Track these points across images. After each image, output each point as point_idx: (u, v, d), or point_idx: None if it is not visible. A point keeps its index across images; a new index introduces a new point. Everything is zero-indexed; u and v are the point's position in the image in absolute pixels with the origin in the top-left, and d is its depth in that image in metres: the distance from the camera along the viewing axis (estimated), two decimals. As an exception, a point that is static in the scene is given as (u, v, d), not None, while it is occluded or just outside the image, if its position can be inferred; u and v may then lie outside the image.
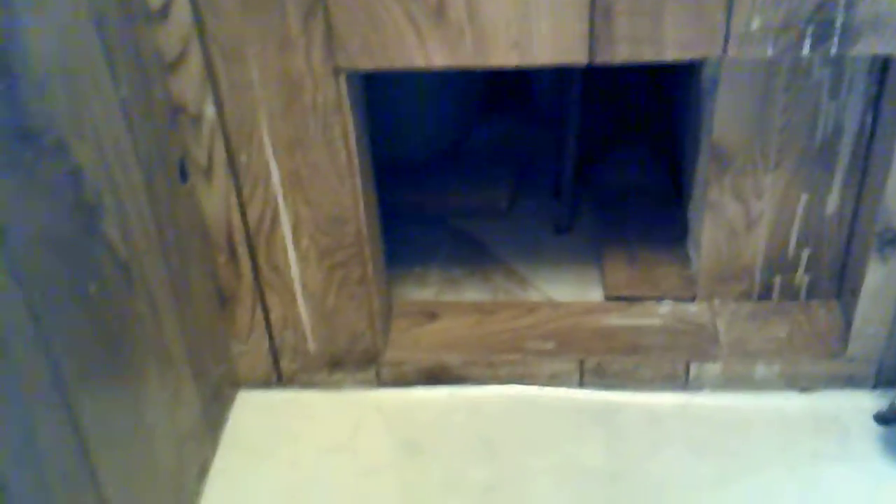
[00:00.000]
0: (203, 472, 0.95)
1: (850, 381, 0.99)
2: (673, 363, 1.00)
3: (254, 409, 1.04)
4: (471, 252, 1.20)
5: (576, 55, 0.82)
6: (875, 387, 0.98)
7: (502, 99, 1.47)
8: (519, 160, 1.34)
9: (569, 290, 1.12)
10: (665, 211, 1.20)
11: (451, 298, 1.12)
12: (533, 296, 1.11)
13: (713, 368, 1.00)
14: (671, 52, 0.82)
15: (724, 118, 0.93)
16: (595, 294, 1.11)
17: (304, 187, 0.90)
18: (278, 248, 0.94)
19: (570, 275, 1.15)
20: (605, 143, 1.35)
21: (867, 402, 0.97)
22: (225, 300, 0.98)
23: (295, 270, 0.96)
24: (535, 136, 1.39)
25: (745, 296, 1.05)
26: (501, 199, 1.27)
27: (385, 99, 1.08)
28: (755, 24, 0.79)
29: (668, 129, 1.33)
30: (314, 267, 0.95)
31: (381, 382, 1.05)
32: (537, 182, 1.31)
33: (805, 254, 1.01)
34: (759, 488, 0.91)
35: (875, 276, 0.92)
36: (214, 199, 0.91)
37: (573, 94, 1.19)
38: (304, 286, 0.97)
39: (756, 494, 0.91)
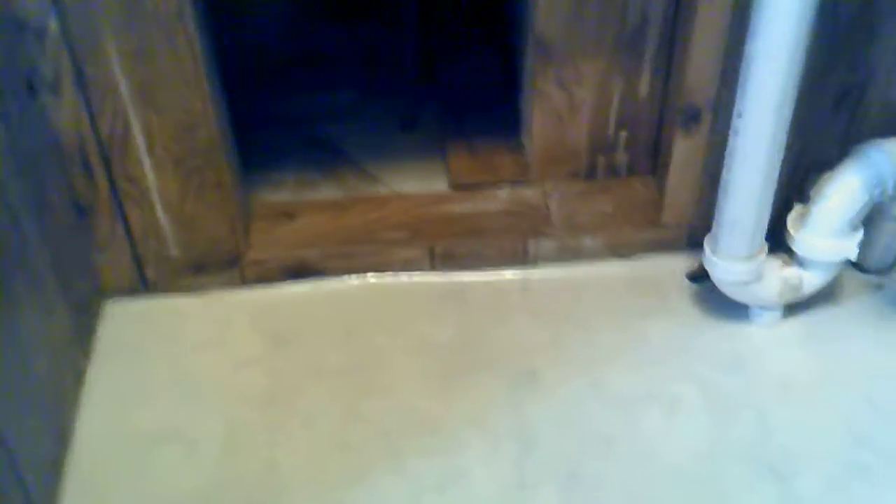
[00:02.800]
0: (79, 380, 0.99)
1: (666, 246, 1.12)
2: (513, 242, 1.10)
3: (123, 317, 1.08)
4: (323, 154, 1.26)
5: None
6: (687, 249, 1.12)
7: (351, 1, 1.51)
8: (367, 61, 1.39)
9: (416, 184, 1.20)
10: (503, 104, 1.28)
11: (306, 196, 1.18)
12: (383, 191, 1.19)
13: (547, 244, 1.11)
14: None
15: (544, 13, 1.02)
16: (441, 185, 1.19)
17: (153, 97, 0.93)
18: (132, 159, 0.97)
19: (416, 169, 1.22)
20: (447, 41, 1.41)
21: (681, 263, 1.10)
22: (84, 213, 1.00)
23: (151, 179, 0.99)
24: (383, 38, 1.44)
25: (573, 176, 1.15)
26: (350, 99, 1.32)
27: (232, 5, 1.10)
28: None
29: (505, 26, 1.41)
30: (170, 175, 0.99)
31: (246, 282, 1.10)
32: (385, 82, 1.37)
33: (623, 135, 1.12)
34: (591, 345, 1.03)
35: (681, 149, 1.04)
36: (64, 113, 0.92)
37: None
38: (161, 194, 1.01)
39: (588, 350, 1.03)
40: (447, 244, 1.10)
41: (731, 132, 0.91)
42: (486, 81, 1.34)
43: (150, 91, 0.92)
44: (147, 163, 0.98)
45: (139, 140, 0.96)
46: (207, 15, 0.95)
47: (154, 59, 0.90)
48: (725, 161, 0.94)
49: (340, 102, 1.33)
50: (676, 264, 1.10)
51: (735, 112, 0.90)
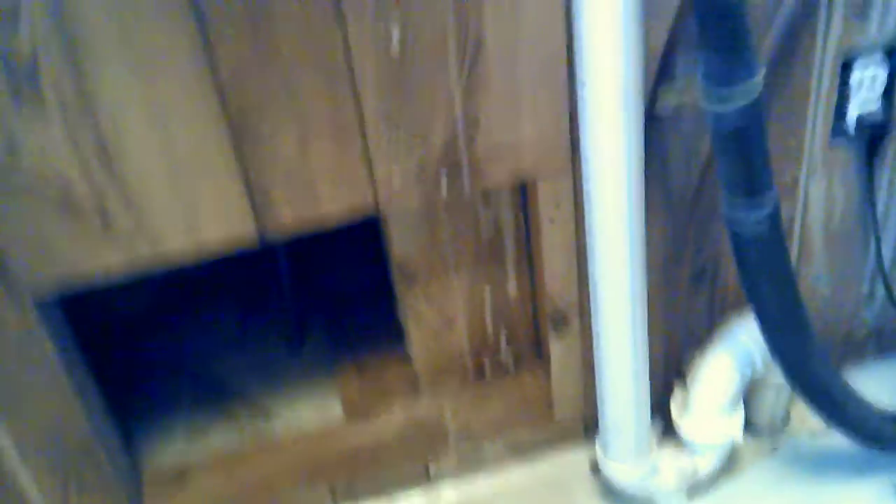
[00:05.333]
0: None
1: (564, 439, 1.12)
2: (413, 465, 1.09)
3: None
4: (212, 391, 1.24)
5: (245, 230, 0.88)
6: (585, 439, 1.12)
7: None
8: (247, 283, 1.40)
9: (310, 411, 1.18)
10: (388, 310, 1.29)
11: (199, 449, 1.15)
12: (278, 427, 1.17)
13: (447, 460, 1.10)
14: (331, 214, 0.90)
15: (400, 242, 1.03)
16: (335, 407, 1.18)
17: (17, 408, 0.91)
18: (4, 471, 0.94)
19: (309, 393, 1.21)
20: (324, 250, 1.42)
21: (581, 456, 1.10)
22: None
23: (30, 488, 0.96)
24: (259, 256, 1.45)
25: (463, 381, 1.16)
26: (232, 325, 1.32)
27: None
28: (396, 178, 0.89)
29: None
30: (47, 482, 0.96)
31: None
32: (266, 303, 1.37)
33: (502, 334, 1.13)
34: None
35: (557, 349, 1.06)
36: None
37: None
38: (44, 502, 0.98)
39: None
40: (347, 479, 1.08)
41: (594, 338, 0.93)
42: (370, 287, 1.35)
43: (13, 403, 0.90)
44: (23, 472, 0.95)
45: (12, 452, 0.93)
46: (65, 321, 0.94)
47: (12, 376, 0.89)
48: (595, 367, 0.95)
49: (223, 330, 1.32)
50: (577, 458, 1.10)
51: (592, 319, 0.92)
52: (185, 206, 0.84)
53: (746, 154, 0.75)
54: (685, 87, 0.87)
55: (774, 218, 0.81)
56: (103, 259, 0.85)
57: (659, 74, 0.85)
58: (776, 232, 0.82)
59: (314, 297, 1.35)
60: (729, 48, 0.69)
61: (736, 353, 0.98)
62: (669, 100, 0.86)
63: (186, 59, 0.77)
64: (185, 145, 0.81)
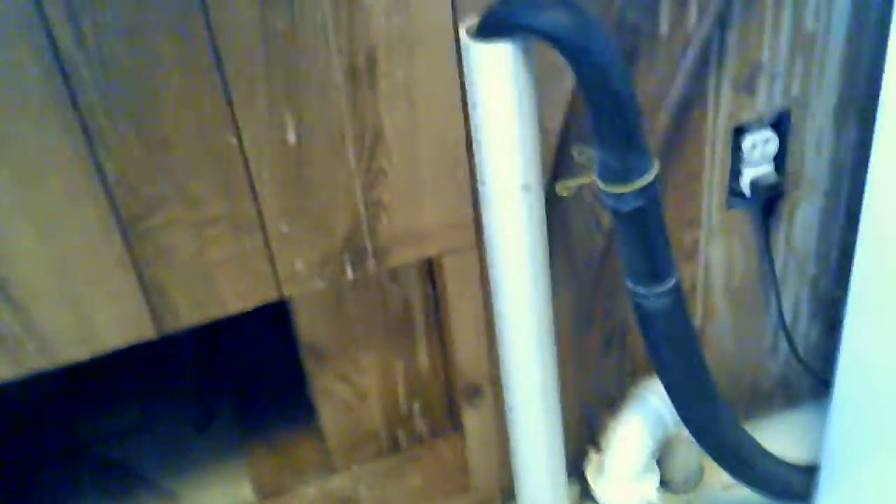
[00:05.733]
0: None
1: (483, 507, 1.12)
2: (329, 547, 1.07)
3: None
4: (117, 478, 1.19)
5: (144, 331, 0.84)
6: (503, 505, 1.12)
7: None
8: (148, 362, 1.34)
9: (220, 494, 1.15)
10: (297, 387, 1.25)
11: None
12: (187, 513, 1.13)
13: (366, 539, 1.08)
14: (234, 306, 0.87)
15: (308, 322, 1.01)
16: (246, 489, 1.14)
17: None
18: None
19: (218, 474, 1.17)
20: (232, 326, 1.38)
21: (500, 521, 1.10)
22: None
23: None
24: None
25: (378, 454, 1.14)
26: (133, 408, 1.27)
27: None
28: (299, 265, 0.87)
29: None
30: None
31: None
32: (171, 381, 1.32)
33: (416, 405, 1.12)
34: None
35: (472, 419, 1.05)
36: None
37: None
38: None
39: None
40: (262, 566, 1.05)
41: (506, 410, 0.93)
42: (276, 363, 1.30)
43: None
44: None
45: None
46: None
47: None
48: (510, 438, 0.95)
49: (126, 413, 1.27)
50: (496, 525, 1.10)
51: (504, 392, 0.91)
52: (77, 312, 0.80)
53: (645, 239, 0.76)
54: (583, 171, 0.87)
55: (675, 291, 0.82)
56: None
57: (556, 163, 0.86)
58: (678, 304, 0.83)
59: (220, 374, 1.31)
60: (623, 145, 0.69)
61: (647, 415, 0.99)
62: (568, 184, 0.86)
63: (70, 163, 0.73)
64: (75, 251, 0.77)
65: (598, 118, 0.69)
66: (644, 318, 0.84)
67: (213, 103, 0.74)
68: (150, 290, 0.82)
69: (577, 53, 0.66)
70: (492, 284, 0.84)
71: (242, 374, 1.31)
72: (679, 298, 0.83)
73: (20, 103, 0.70)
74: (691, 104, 0.90)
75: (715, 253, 1.02)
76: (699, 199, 0.98)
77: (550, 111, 0.82)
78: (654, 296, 0.81)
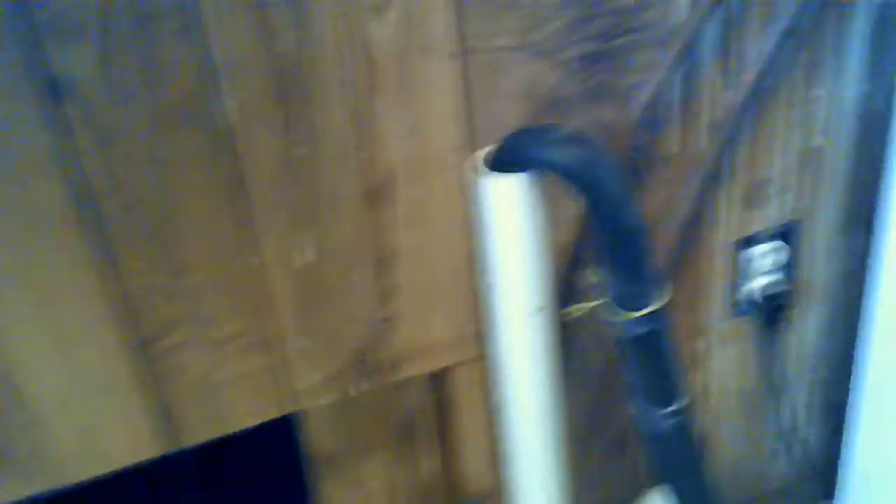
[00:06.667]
0: None
1: None
2: None
3: None
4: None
5: (155, 449, 0.84)
6: None
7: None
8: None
9: None
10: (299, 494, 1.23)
11: None
12: None
13: None
14: (247, 421, 0.86)
15: (315, 433, 1.00)
16: None
17: None
18: None
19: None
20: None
21: None
22: None
23: None
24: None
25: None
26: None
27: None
28: (312, 380, 0.86)
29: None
30: None
31: None
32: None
33: (420, 513, 1.10)
34: None
35: (485, 527, 1.04)
36: None
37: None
38: None
39: None
40: None
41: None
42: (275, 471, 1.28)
43: None
44: None
45: None
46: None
47: None
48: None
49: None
50: None
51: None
52: (89, 431, 0.80)
53: (652, 363, 0.76)
54: (594, 291, 0.88)
55: (681, 414, 0.82)
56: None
57: (566, 284, 0.87)
58: (683, 428, 0.83)
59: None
60: (632, 274, 0.70)
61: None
62: (581, 307, 0.87)
63: (91, 286, 0.74)
64: (90, 372, 0.77)
65: (607, 247, 0.71)
66: (648, 438, 0.84)
67: (236, 228, 0.75)
68: (163, 409, 0.81)
69: (587, 187, 0.68)
70: (500, 403, 0.84)
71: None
72: (684, 422, 0.83)
73: (46, 226, 0.71)
74: (700, 218, 0.91)
75: (722, 359, 1.03)
76: (707, 308, 0.99)
77: (560, 232, 0.83)
78: (659, 418, 0.81)
